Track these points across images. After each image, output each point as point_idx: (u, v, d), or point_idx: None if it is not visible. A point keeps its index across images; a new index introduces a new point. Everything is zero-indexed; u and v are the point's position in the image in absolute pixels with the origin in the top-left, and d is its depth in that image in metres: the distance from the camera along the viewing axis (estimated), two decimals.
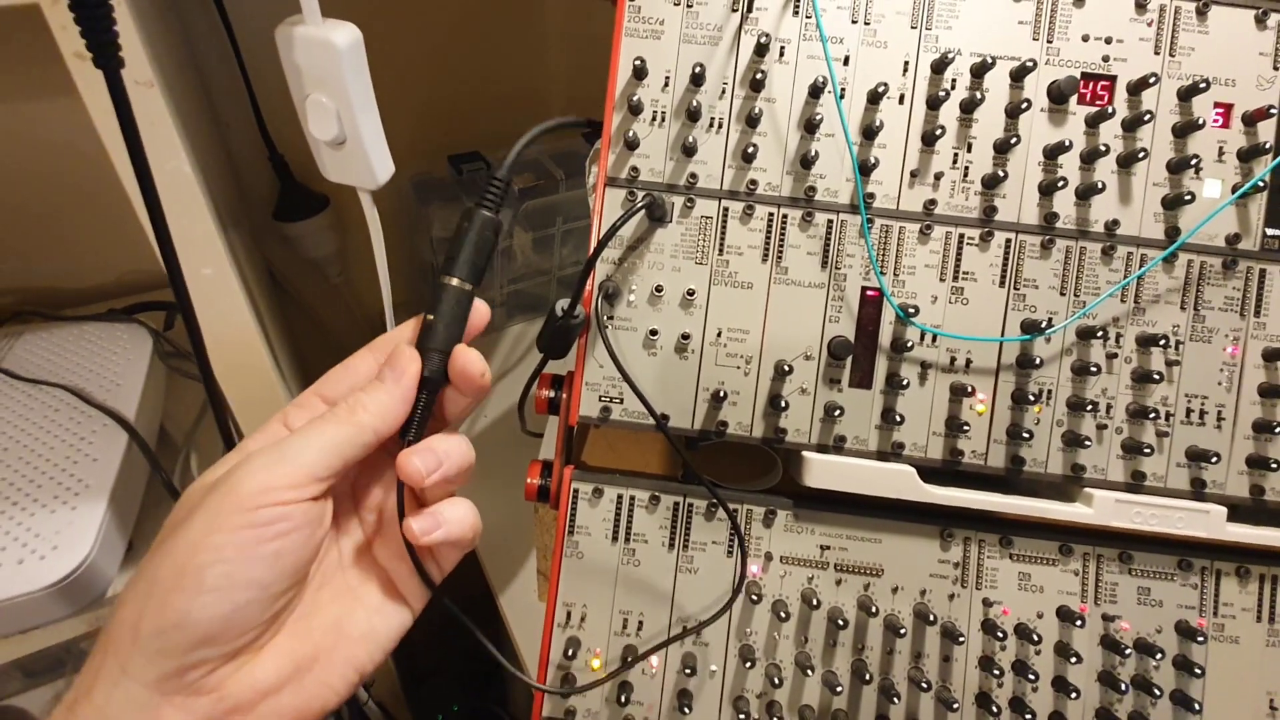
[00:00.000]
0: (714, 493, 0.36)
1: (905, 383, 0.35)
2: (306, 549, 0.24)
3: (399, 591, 0.29)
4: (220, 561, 0.22)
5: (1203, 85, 0.34)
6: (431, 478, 0.27)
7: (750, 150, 0.35)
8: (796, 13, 0.35)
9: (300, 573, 0.25)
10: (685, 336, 0.36)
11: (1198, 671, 0.35)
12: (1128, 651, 0.35)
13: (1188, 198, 0.34)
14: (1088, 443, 0.35)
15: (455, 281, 0.28)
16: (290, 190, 0.61)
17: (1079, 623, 0.35)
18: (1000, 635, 0.35)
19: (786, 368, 0.35)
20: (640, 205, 0.34)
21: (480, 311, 0.30)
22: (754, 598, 0.36)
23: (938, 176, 0.35)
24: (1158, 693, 0.35)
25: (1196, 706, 0.35)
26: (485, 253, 0.28)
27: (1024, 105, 0.34)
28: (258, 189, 0.63)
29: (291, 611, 0.26)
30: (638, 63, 0.35)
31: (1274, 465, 0.35)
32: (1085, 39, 0.35)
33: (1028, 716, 0.34)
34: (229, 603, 0.22)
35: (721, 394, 0.36)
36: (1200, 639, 0.35)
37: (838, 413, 0.35)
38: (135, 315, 0.50)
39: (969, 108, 0.35)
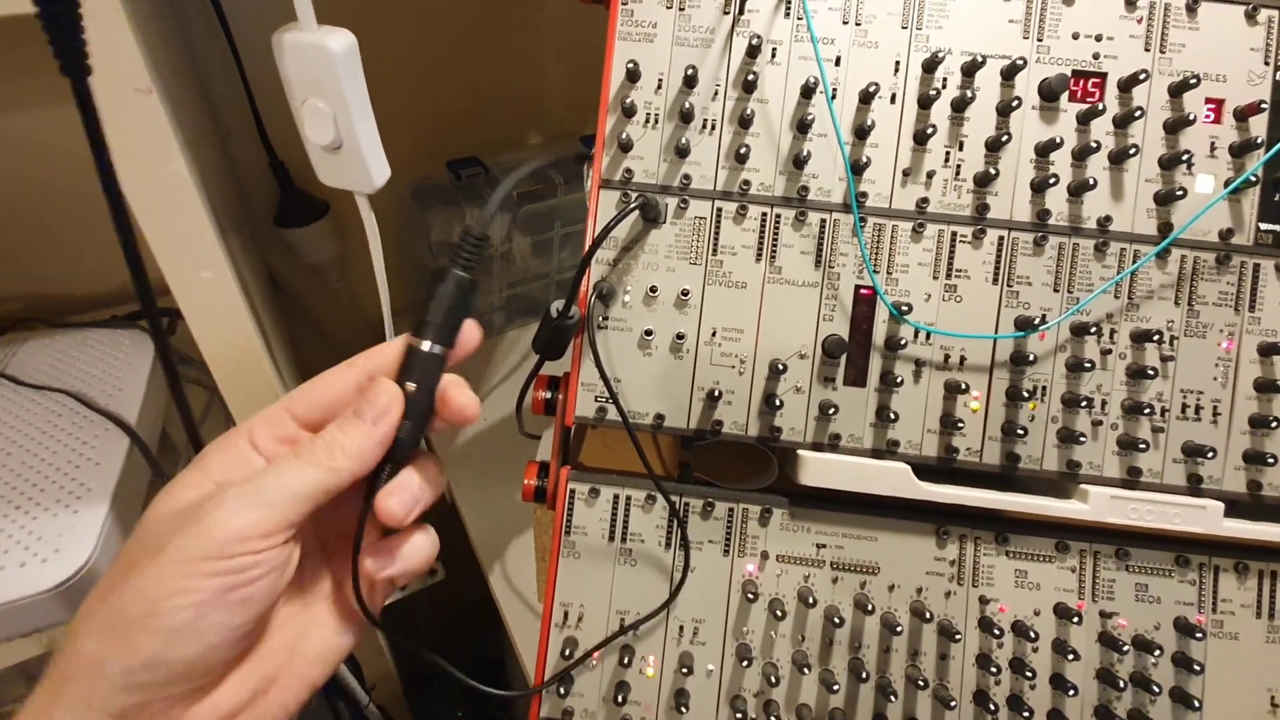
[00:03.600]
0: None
1: (899, 380, 0.35)
2: (275, 592, 0.24)
3: (352, 613, 0.28)
4: (190, 606, 0.22)
5: (1193, 81, 0.34)
6: (410, 517, 0.26)
7: (743, 151, 0.35)
8: (788, 14, 0.36)
9: (267, 612, 0.25)
10: (680, 336, 0.36)
11: (1197, 668, 0.35)
12: (1125, 648, 0.35)
13: (1180, 193, 0.34)
14: (1082, 439, 0.35)
15: (427, 346, 0.26)
16: (291, 196, 0.61)
17: (1076, 620, 0.35)
18: (997, 633, 0.35)
19: (781, 366, 0.35)
20: (633, 206, 0.34)
21: (470, 335, 0.28)
22: (750, 596, 0.36)
23: (930, 175, 0.36)
24: (1156, 690, 0.34)
25: (1196, 704, 0.35)
26: (461, 315, 0.27)
27: (1015, 103, 0.35)
28: (259, 195, 0.63)
29: (253, 643, 0.26)
30: (631, 66, 0.35)
31: (1271, 460, 0.35)
32: (1075, 37, 0.35)
33: (1025, 714, 0.34)
34: (199, 645, 0.22)
35: (717, 393, 0.36)
36: (1199, 635, 0.35)
37: (832, 411, 0.35)
38: (137, 321, 0.50)
39: (960, 106, 0.35)
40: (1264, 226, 0.35)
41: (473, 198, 0.64)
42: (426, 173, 0.66)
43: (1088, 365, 0.35)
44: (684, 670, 0.35)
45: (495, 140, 0.73)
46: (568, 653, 0.35)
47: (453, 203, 0.63)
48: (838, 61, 0.36)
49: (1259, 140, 0.35)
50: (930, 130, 0.35)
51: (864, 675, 0.35)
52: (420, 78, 0.66)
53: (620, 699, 0.35)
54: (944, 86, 0.35)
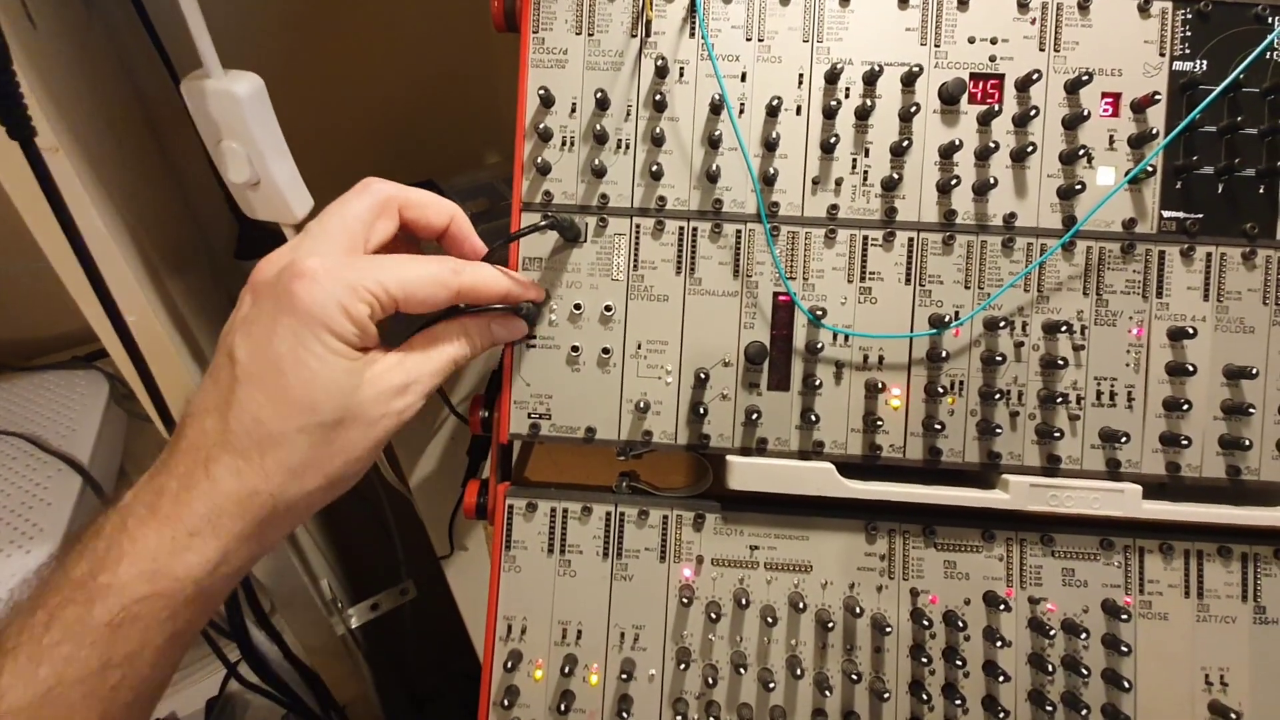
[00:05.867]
0: None
1: (821, 383, 0.36)
2: None
3: None
4: None
5: (1086, 78, 0.35)
6: None
7: (656, 168, 0.36)
8: (693, 34, 0.37)
9: None
10: (606, 351, 0.37)
11: (1124, 649, 0.35)
12: (1053, 632, 0.35)
13: (1079, 187, 0.35)
14: (999, 430, 0.36)
15: None
16: (248, 229, 0.62)
17: (1005, 607, 0.36)
18: (927, 624, 0.36)
19: (705, 375, 0.36)
20: (537, 226, 0.35)
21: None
22: (686, 600, 0.37)
23: (838, 182, 0.37)
24: (1086, 672, 0.35)
25: (1126, 684, 0.35)
26: None
27: (915, 109, 0.36)
28: (219, 230, 0.64)
29: None
30: (542, 92, 0.36)
31: (1186, 441, 0.36)
32: (971, 41, 0.36)
33: (958, 702, 0.35)
34: None
35: (644, 404, 0.37)
36: (1125, 617, 0.36)
37: (756, 416, 0.36)
38: (94, 362, 0.51)
39: (863, 115, 0.36)
40: (1166, 214, 0.36)
41: None
42: None
43: (1000, 358, 0.36)
44: (626, 676, 0.36)
45: (450, 162, 0.75)
46: (510, 665, 0.36)
47: None
48: (743, 77, 0.37)
49: (1155, 131, 0.36)
50: (835, 139, 0.36)
51: (799, 672, 0.35)
52: (374, 101, 0.68)
53: (564, 708, 0.36)
54: (846, 96, 0.36)
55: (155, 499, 0.26)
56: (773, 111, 0.36)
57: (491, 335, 0.35)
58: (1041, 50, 0.36)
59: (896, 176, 0.36)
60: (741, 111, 0.37)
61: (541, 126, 0.37)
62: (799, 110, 0.37)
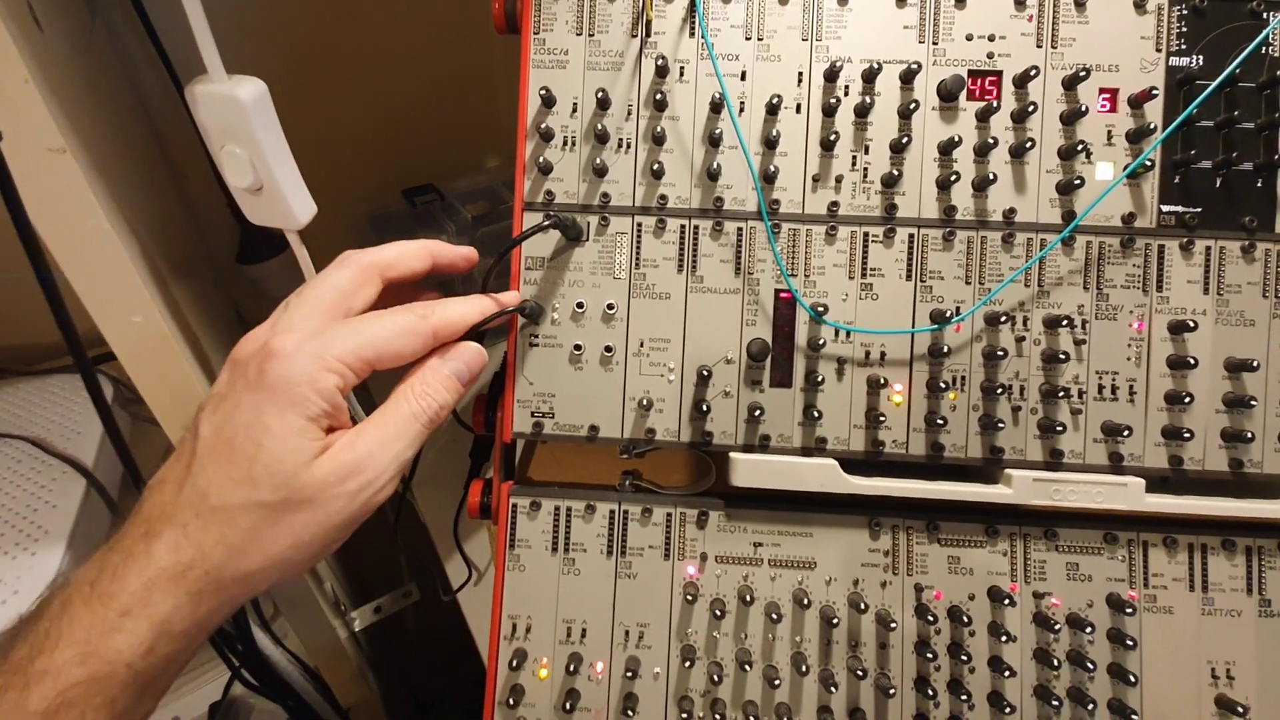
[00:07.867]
0: None
1: (823, 379, 0.36)
2: None
3: None
4: None
5: (1083, 74, 0.35)
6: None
7: (657, 167, 0.37)
8: (693, 35, 0.37)
9: None
10: (609, 349, 0.37)
11: (1130, 643, 0.35)
12: (1058, 627, 0.35)
13: (1077, 182, 0.35)
14: (1002, 425, 0.36)
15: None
16: (249, 233, 0.63)
17: (1009, 602, 0.36)
18: (932, 619, 0.36)
19: (707, 372, 0.37)
20: (541, 226, 0.36)
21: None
22: (690, 598, 0.37)
23: (838, 179, 0.37)
24: (1092, 666, 0.35)
25: (1132, 679, 0.35)
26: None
27: (914, 106, 0.36)
28: (221, 235, 0.65)
29: None
30: (544, 92, 0.37)
31: (1188, 435, 0.36)
32: (969, 38, 0.37)
33: (964, 698, 0.35)
34: None
35: (647, 402, 0.37)
36: (1130, 611, 0.36)
37: (759, 413, 0.36)
38: (99, 365, 0.51)
39: (863, 112, 0.36)
40: (1165, 209, 0.37)
41: (428, 224, 0.65)
42: (383, 201, 0.68)
43: (1001, 353, 0.36)
44: (630, 674, 0.36)
45: (449, 166, 0.75)
46: (515, 664, 0.36)
47: (408, 230, 0.64)
48: (743, 76, 0.37)
49: (1153, 126, 0.36)
50: (835, 137, 0.36)
51: (804, 669, 0.35)
52: (372, 107, 0.68)
53: (569, 706, 0.36)
54: (846, 94, 0.37)
55: (98, 575, 0.26)
56: (773, 110, 0.36)
57: (451, 377, 0.32)
58: (1039, 47, 0.37)
59: (896, 173, 0.36)
60: (742, 110, 0.37)
61: (543, 126, 0.37)
62: (799, 108, 0.37)
